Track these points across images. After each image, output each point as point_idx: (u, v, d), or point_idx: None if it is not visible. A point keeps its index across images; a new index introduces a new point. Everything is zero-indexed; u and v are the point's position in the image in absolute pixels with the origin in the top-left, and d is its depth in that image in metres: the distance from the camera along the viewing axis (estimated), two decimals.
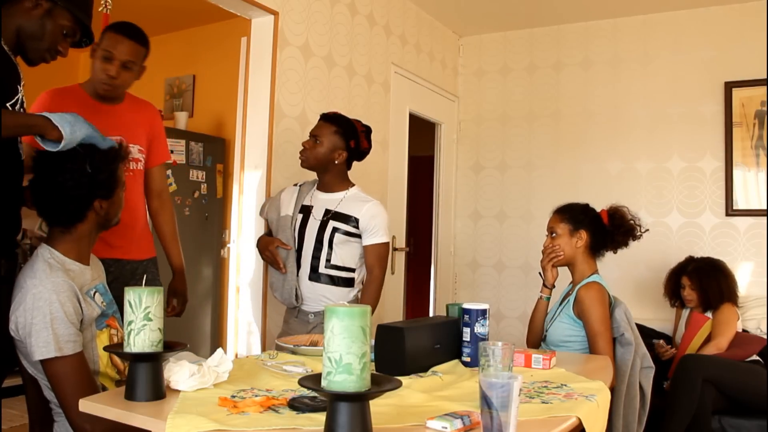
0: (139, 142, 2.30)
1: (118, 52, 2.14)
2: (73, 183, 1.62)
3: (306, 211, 2.58)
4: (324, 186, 2.59)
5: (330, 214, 2.52)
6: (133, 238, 2.29)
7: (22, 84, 1.73)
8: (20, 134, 1.64)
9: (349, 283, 2.55)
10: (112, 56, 2.14)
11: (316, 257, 2.51)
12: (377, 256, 2.54)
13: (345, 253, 2.52)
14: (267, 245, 2.59)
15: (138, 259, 2.32)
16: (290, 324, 2.61)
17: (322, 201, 2.57)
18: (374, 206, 2.54)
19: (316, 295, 2.52)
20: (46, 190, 1.64)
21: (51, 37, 1.72)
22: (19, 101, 1.71)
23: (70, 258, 1.66)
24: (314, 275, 2.52)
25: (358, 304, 2.54)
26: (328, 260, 2.51)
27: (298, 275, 2.54)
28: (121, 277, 2.20)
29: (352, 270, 2.56)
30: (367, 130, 2.63)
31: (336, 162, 2.52)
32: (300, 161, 2.57)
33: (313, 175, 2.67)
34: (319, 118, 2.60)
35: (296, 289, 2.52)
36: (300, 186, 2.67)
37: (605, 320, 2.26)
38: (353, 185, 2.61)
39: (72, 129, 1.59)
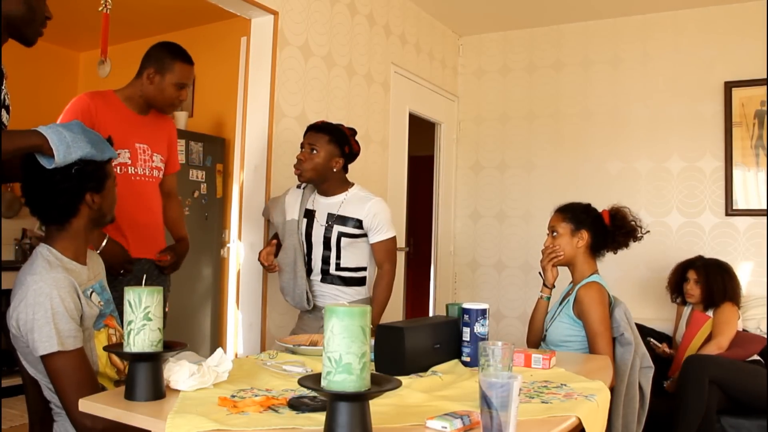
0: (161, 152, 2.46)
1: (190, 80, 2.41)
2: (61, 176, 1.62)
3: (309, 215, 2.59)
4: (324, 191, 2.59)
5: (333, 219, 2.54)
6: (155, 240, 2.44)
7: (5, 82, 1.73)
8: (17, 155, 1.64)
9: (361, 282, 2.58)
10: (187, 85, 2.39)
11: (325, 261, 2.54)
12: (385, 252, 2.56)
13: (354, 254, 2.55)
14: (260, 257, 2.65)
15: (156, 259, 2.44)
16: (304, 319, 2.63)
17: (323, 205, 2.58)
18: (375, 204, 2.54)
19: (331, 294, 2.55)
20: (36, 187, 1.65)
21: (39, 12, 1.72)
22: (2, 101, 1.71)
23: (67, 257, 1.66)
24: (326, 277, 2.55)
25: (371, 301, 2.59)
26: (338, 264, 2.54)
27: (309, 279, 2.57)
28: (142, 276, 2.28)
29: (364, 269, 2.58)
30: (353, 133, 2.64)
31: (334, 170, 2.53)
32: (297, 175, 2.55)
33: None
34: (307, 129, 2.59)
35: (306, 292, 2.54)
36: (303, 189, 2.67)
37: (605, 320, 2.26)
38: (352, 185, 2.61)
39: (67, 151, 1.59)
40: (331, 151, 2.51)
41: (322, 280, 2.55)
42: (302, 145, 2.55)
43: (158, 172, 2.45)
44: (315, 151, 2.49)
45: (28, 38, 1.74)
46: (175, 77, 2.34)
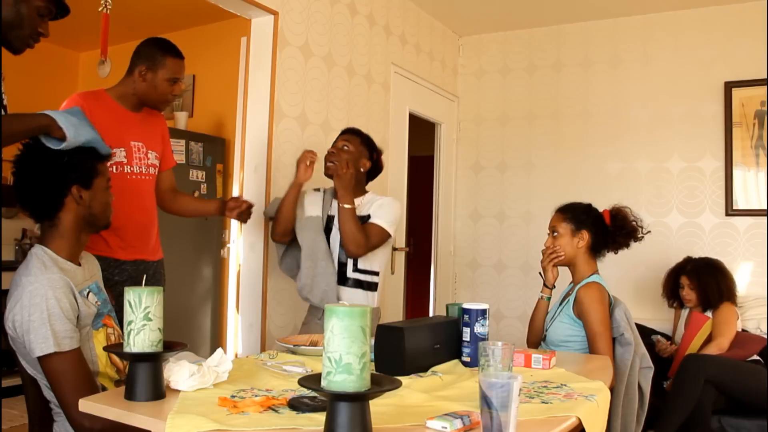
0: (155, 148, 2.45)
1: (183, 75, 2.41)
2: (49, 164, 1.64)
3: (329, 220, 2.61)
4: None
5: None
6: (149, 240, 2.40)
7: (3, 84, 1.73)
8: (28, 137, 1.65)
9: (373, 287, 2.59)
10: (180, 80, 2.40)
11: (343, 263, 2.55)
12: (371, 231, 2.49)
13: (370, 256, 2.55)
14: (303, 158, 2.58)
15: (151, 260, 2.41)
16: (309, 325, 2.61)
17: None
18: (386, 198, 2.60)
19: (343, 299, 2.54)
20: (25, 179, 1.66)
21: (29, 22, 1.71)
22: (1, 101, 1.72)
23: (62, 257, 1.66)
24: (342, 279, 2.55)
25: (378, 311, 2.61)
26: (355, 265, 2.55)
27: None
28: (136, 277, 2.29)
29: (377, 274, 2.59)
30: (380, 153, 2.70)
31: (361, 170, 2.58)
32: (325, 170, 2.57)
33: (328, 182, 2.66)
34: (342, 132, 2.65)
35: (336, 289, 2.51)
36: (324, 192, 2.68)
37: (605, 320, 2.25)
38: (367, 192, 2.65)
39: (76, 132, 1.63)
40: (361, 151, 2.57)
41: (338, 282, 2.55)
42: (333, 145, 2.60)
43: (154, 169, 2.43)
44: (346, 147, 2.55)
45: (12, 44, 1.72)
46: (167, 73, 2.34)
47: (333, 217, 2.59)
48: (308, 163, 2.57)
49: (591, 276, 2.37)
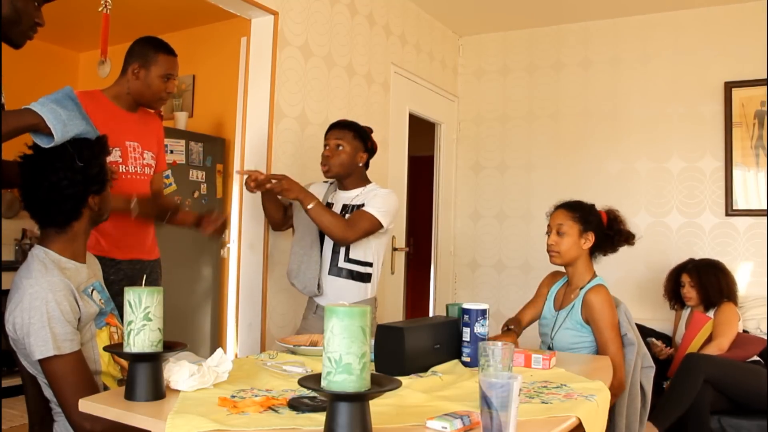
0: (151, 149, 2.45)
1: (176, 72, 2.41)
2: (68, 182, 1.61)
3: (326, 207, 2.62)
4: (344, 186, 2.64)
5: (347, 209, 2.57)
6: (145, 239, 2.41)
7: (1, 83, 1.73)
8: (15, 136, 1.63)
9: (366, 278, 2.58)
10: (173, 77, 2.40)
11: (336, 252, 2.55)
12: (360, 218, 2.47)
13: (361, 246, 2.55)
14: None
15: (148, 260, 2.42)
16: (309, 320, 2.63)
17: (342, 198, 2.63)
18: (382, 190, 2.58)
19: (335, 291, 2.54)
20: (38, 192, 1.62)
21: (27, 16, 1.71)
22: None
23: (65, 257, 1.66)
24: (334, 269, 2.56)
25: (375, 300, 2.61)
26: (347, 254, 2.55)
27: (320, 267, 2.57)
28: (132, 276, 2.30)
29: (370, 265, 2.58)
30: (370, 131, 2.69)
31: (360, 164, 2.59)
32: (323, 171, 2.59)
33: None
34: (330, 127, 2.64)
35: (318, 277, 2.54)
36: (329, 184, 2.72)
37: (615, 325, 2.22)
38: (370, 182, 2.66)
39: (64, 129, 1.58)
40: (356, 146, 2.57)
41: (331, 272, 2.55)
42: (326, 143, 2.60)
43: (149, 169, 2.44)
44: (341, 147, 2.56)
45: (13, 41, 1.73)
46: (160, 69, 2.34)
47: (331, 204, 2.62)
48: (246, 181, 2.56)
49: (594, 279, 2.33)
